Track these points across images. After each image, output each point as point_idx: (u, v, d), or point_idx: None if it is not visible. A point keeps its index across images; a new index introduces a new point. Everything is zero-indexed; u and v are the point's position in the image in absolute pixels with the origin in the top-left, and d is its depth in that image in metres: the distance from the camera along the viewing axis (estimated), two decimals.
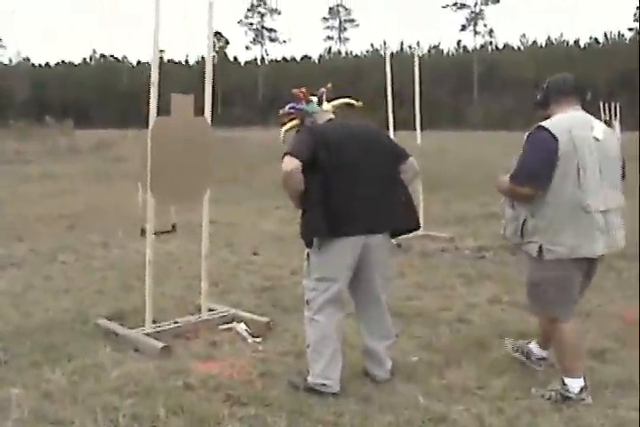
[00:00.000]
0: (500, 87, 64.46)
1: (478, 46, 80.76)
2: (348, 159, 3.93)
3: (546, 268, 3.85)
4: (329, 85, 4.38)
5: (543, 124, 3.85)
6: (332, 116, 4.26)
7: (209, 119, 5.18)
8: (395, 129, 9.29)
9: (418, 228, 4.34)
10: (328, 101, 4.33)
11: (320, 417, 3.69)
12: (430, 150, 27.24)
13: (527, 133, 3.92)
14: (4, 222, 10.50)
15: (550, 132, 3.76)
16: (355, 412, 3.76)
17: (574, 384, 3.89)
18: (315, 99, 4.26)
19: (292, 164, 3.77)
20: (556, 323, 3.96)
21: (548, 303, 3.95)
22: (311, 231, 3.95)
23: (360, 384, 4.13)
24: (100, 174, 18.10)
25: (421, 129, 9.84)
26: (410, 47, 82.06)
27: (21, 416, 3.63)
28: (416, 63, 9.61)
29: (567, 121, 3.86)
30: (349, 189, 3.92)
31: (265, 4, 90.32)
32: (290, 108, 4.29)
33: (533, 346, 4.45)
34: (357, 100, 4.60)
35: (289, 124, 4.35)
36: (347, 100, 4.54)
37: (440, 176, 15.20)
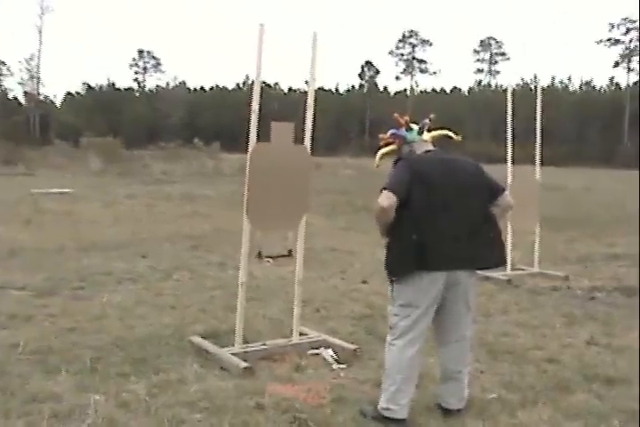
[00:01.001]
0: None
1: (632, 83, 77.90)
2: (442, 198, 3.92)
3: None
4: (432, 116, 4.39)
5: None
6: (430, 147, 4.27)
7: (308, 147, 5.30)
8: (513, 163, 9.28)
9: (503, 264, 4.29)
10: (429, 131, 4.35)
11: None
12: (573, 188, 26.61)
13: None
14: (135, 239, 11.09)
15: None
16: None
17: None
18: (415, 127, 4.28)
19: (388, 200, 3.79)
20: None
21: None
22: (397, 268, 3.97)
23: (428, 417, 4.07)
24: (236, 197, 18.62)
25: (545, 164, 9.73)
26: (560, 82, 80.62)
27: (95, 421, 3.83)
28: (539, 97, 9.48)
29: None
30: (440, 227, 3.89)
31: (417, 35, 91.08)
32: (391, 134, 4.35)
33: None
34: (457, 134, 4.60)
35: (385, 149, 4.41)
36: (446, 131, 4.55)
37: (570, 215, 14.72)
